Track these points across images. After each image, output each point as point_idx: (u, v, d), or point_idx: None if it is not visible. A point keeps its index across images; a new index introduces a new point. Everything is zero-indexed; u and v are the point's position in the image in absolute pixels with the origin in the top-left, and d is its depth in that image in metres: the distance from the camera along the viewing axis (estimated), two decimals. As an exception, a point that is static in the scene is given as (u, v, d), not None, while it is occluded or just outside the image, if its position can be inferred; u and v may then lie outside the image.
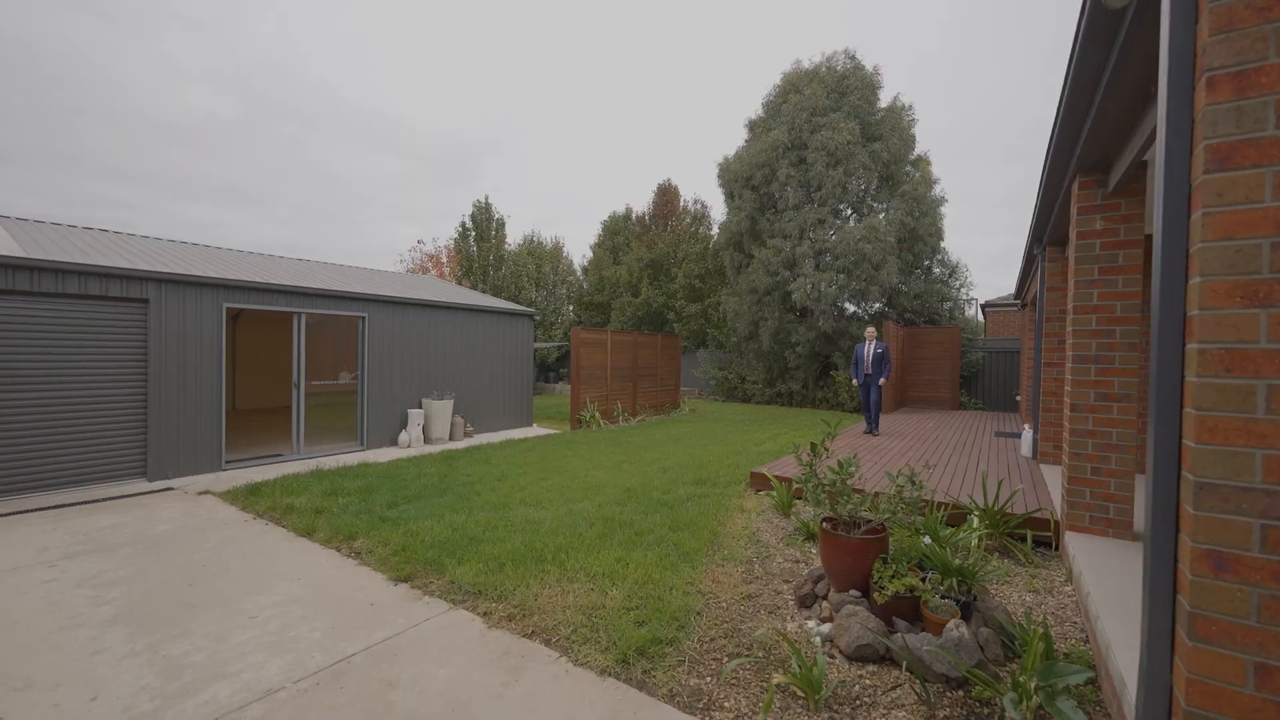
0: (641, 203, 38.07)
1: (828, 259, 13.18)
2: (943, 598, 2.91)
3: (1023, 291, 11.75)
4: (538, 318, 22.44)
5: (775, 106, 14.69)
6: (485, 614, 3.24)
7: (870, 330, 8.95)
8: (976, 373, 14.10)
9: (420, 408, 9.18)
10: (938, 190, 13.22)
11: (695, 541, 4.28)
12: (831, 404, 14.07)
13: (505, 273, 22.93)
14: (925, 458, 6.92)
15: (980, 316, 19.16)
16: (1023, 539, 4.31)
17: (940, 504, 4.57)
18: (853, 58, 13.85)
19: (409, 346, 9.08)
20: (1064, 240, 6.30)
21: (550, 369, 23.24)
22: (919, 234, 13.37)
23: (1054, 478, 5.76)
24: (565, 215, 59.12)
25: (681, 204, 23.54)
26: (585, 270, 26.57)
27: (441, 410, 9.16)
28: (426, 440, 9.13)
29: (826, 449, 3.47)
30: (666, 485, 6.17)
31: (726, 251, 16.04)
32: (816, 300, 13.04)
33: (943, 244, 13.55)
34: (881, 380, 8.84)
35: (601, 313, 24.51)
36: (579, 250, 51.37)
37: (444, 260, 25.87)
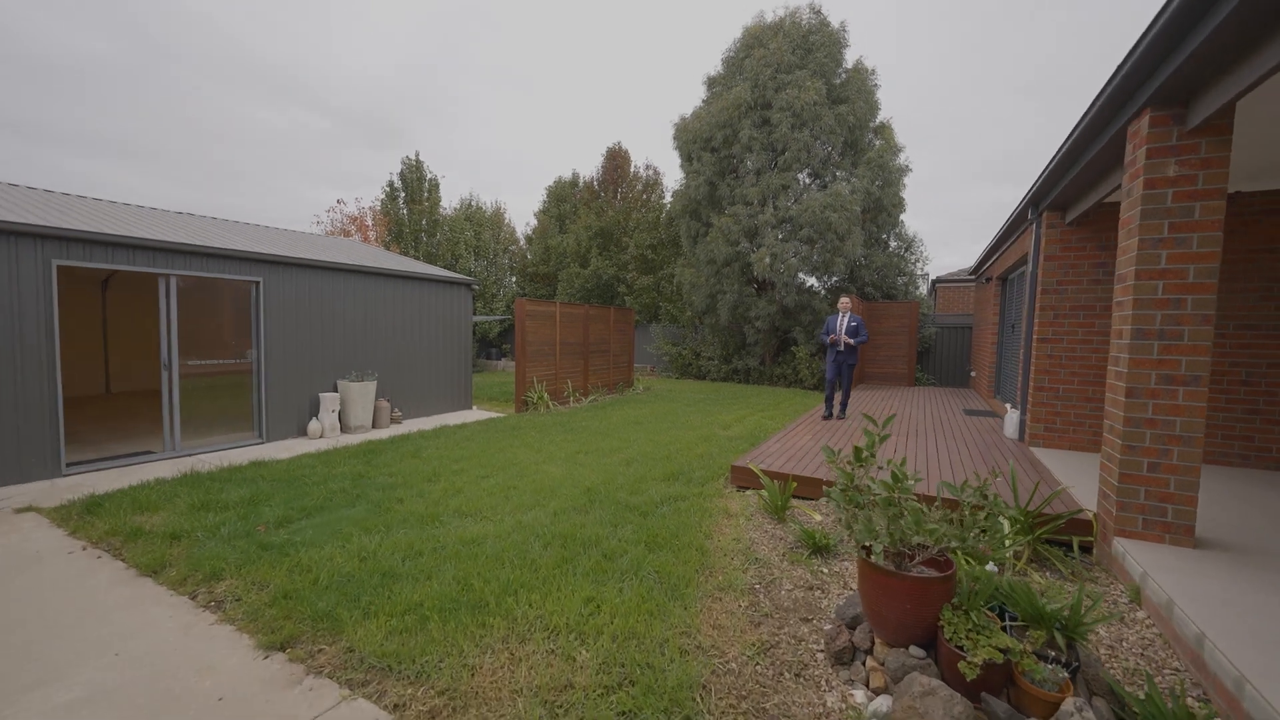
0: (590, 168, 36.08)
1: (789, 228, 12.48)
2: (1039, 657, 2.16)
3: (983, 266, 11.52)
4: (477, 287, 20.75)
5: (737, 62, 13.66)
6: (398, 707, 2.22)
7: (845, 300, 7.75)
8: (929, 348, 14.01)
9: (335, 391, 7.77)
10: (901, 159, 12.76)
11: (682, 565, 3.39)
12: (790, 381, 13.61)
13: (440, 239, 21.01)
14: (911, 446, 6.36)
15: (928, 292, 19.28)
16: (1063, 546, 3.70)
17: (965, 505, 3.91)
18: (818, 12, 12.99)
19: (320, 318, 7.60)
20: (1069, 204, 5.76)
21: (492, 345, 21.70)
22: (883, 204, 12.91)
23: (1058, 465, 5.29)
24: (506, 181, 56.12)
25: (633, 170, 22.27)
26: (529, 239, 24.93)
27: (362, 394, 7.80)
28: (344, 429, 7.77)
29: (871, 455, 2.60)
30: (633, 483, 5.26)
31: (682, 220, 15.07)
32: (779, 272, 12.36)
33: (903, 216, 13.21)
34: (853, 358, 7.78)
35: (547, 284, 23.11)
36: (522, 219, 49.09)
37: (369, 224, 23.44)
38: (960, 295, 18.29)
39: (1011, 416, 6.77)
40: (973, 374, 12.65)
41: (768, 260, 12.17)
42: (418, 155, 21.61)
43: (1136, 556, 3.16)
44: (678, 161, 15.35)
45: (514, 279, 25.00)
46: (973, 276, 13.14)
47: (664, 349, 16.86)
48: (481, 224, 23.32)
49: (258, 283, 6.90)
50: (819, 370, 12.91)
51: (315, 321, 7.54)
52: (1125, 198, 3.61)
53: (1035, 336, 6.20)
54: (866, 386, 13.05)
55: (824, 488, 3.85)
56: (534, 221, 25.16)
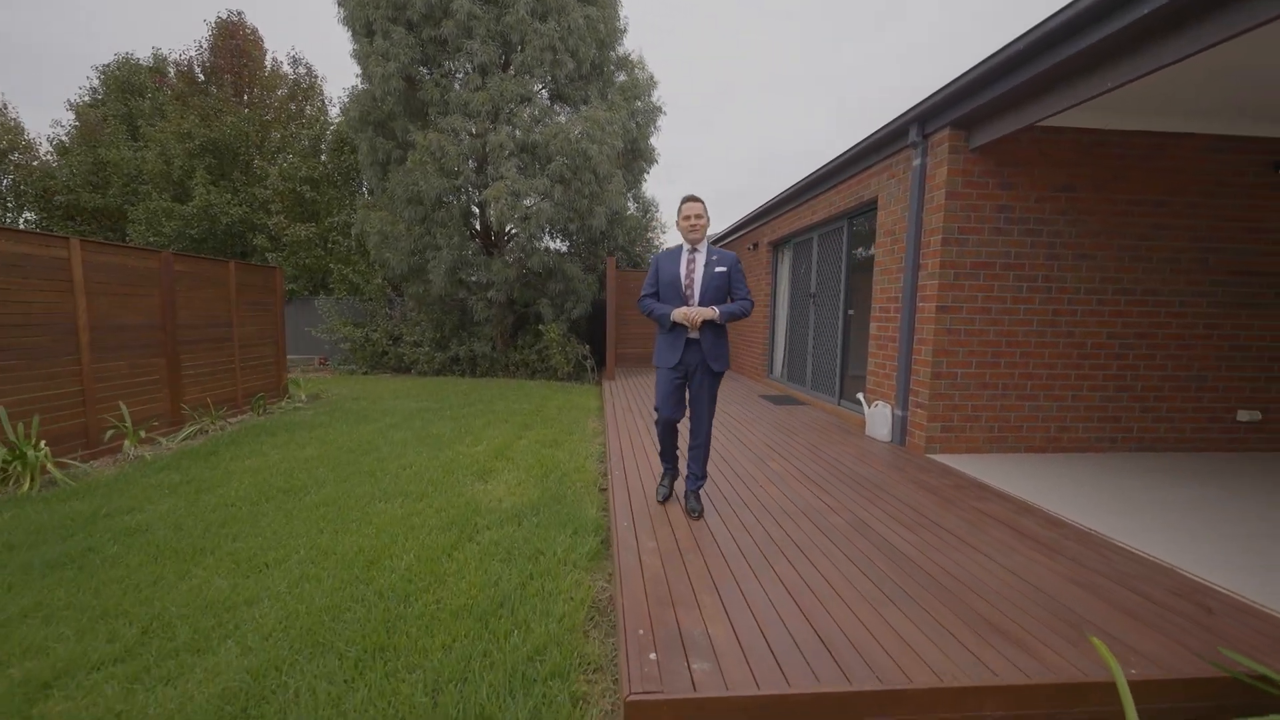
0: (186, 44, 22.53)
1: (529, 159, 9.05)
2: None
3: (747, 229, 10.48)
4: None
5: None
6: None
7: (695, 209, 3.10)
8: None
9: None
10: (656, 97, 10.75)
11: None
12: (536, 370, 10.39)
13: None
14: (751, 467, 3.97)
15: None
16: None
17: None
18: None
19: None
20: (980, 122, 4.10)
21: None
22: (639, 148, 10.69)
23: (999, 473, 3.57)
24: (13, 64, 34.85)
25: (270, 61, 14.96)
26: (62, 149, 14.65)
27: None
28: None
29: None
30: None
31: (363, 135, 9.93)
32: (522, 219, 8.86)
33: (655, 166, 11.35)
34: (720, 359, 3.22)
35: (108, 223, 13.91)
36: (42, 114, 32.03)
37: None
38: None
39: (880, 413, 5.12)
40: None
41: (505, 200, 8.51)
42: None
43: None
44: (348, 47, 10.00)
45: (30, 214, 14.40)
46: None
47: (341, 332, 11.39)
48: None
49: None
50: (575, 356, 10.03)
51: None
52: None
53: (936, 305, 4.54)
54: (624, 370, 10.86)
55: None
56: (74, 120, 14.94)
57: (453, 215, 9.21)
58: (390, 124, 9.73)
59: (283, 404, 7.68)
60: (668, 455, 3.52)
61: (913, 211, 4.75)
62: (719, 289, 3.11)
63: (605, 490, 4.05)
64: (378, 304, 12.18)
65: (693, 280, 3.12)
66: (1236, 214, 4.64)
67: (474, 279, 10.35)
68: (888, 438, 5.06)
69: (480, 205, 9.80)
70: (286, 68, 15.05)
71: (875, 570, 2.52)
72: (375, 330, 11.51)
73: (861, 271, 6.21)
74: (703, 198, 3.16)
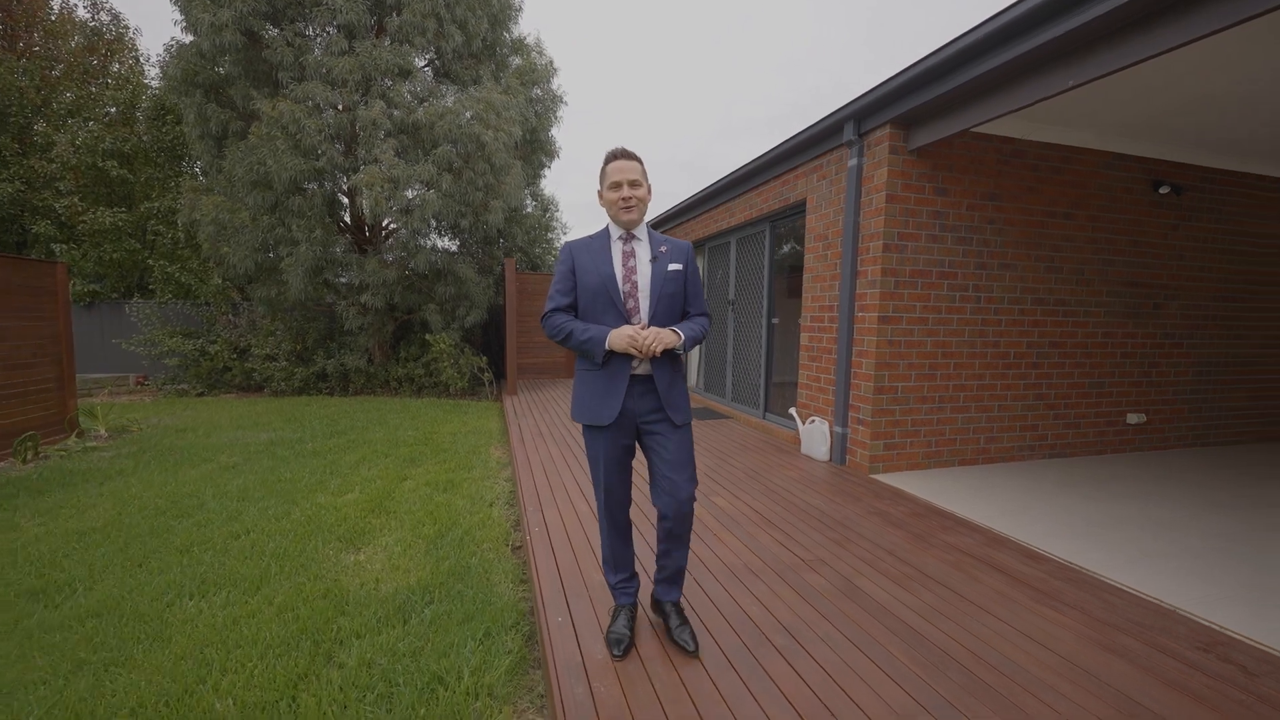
0: None
1: (409, 141, 7.79)
2: None
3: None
4: None
5: None
6: None
7: (626, 169, 1.97)
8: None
9: None
10: (557, 85, 9.86)
11: None
12: (424, 386, 9.04)
13: None
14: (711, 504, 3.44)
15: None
16: None
17: None
18: None
19: None
20: (921, 122, 3.86)
21: None
22: (539, 140, 9.73)
23: (948, 493, 3.31)
24: None
25: (60, 4, 11.90)
26: None
27: None
28: None
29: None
30: None
31: (189, 101, 7.98)
32: (405, 213, 7.57)
33: (555, 161, 10.45)
34: (681, 411, 2.07)
35: None
36: None
37: None
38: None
39: (817, 430, 4.78)
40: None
41: (381, 188, 7.19)
42: None
43: None
44: (168, -11, 7.98)
45: None
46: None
47: (167, 344, 9.16)
48: None
49: None
50: (470, 369, 8.85)
51: None
52: None
53: (878, 315, 4.24)
54: (527, 383, 9.88)
55: None
56: None
57: (313, 204, 7.66)
58: (227, 89, 7.92)
59: (68, 443, 5.77)
60: (620, 562, 2.16)
61: (849, 215, 4.45)
62: (673, 298, 2.02)
63: (521, 547, 3.21)
64: (217, 309, 10.01)
65: (635, 284, 1.99)
66: (1125, 228, 4.90)
67: (344, 280, 8.80)
68: (826, 457, 4.72)
69: (350, 193, 8.30)
70: (82, 11, 12.04)
71: (893, 662, 1.98)
72: (214, 341, 9.42)
73: (786, 276, 5.91)
74: (640, 155, 2.02)
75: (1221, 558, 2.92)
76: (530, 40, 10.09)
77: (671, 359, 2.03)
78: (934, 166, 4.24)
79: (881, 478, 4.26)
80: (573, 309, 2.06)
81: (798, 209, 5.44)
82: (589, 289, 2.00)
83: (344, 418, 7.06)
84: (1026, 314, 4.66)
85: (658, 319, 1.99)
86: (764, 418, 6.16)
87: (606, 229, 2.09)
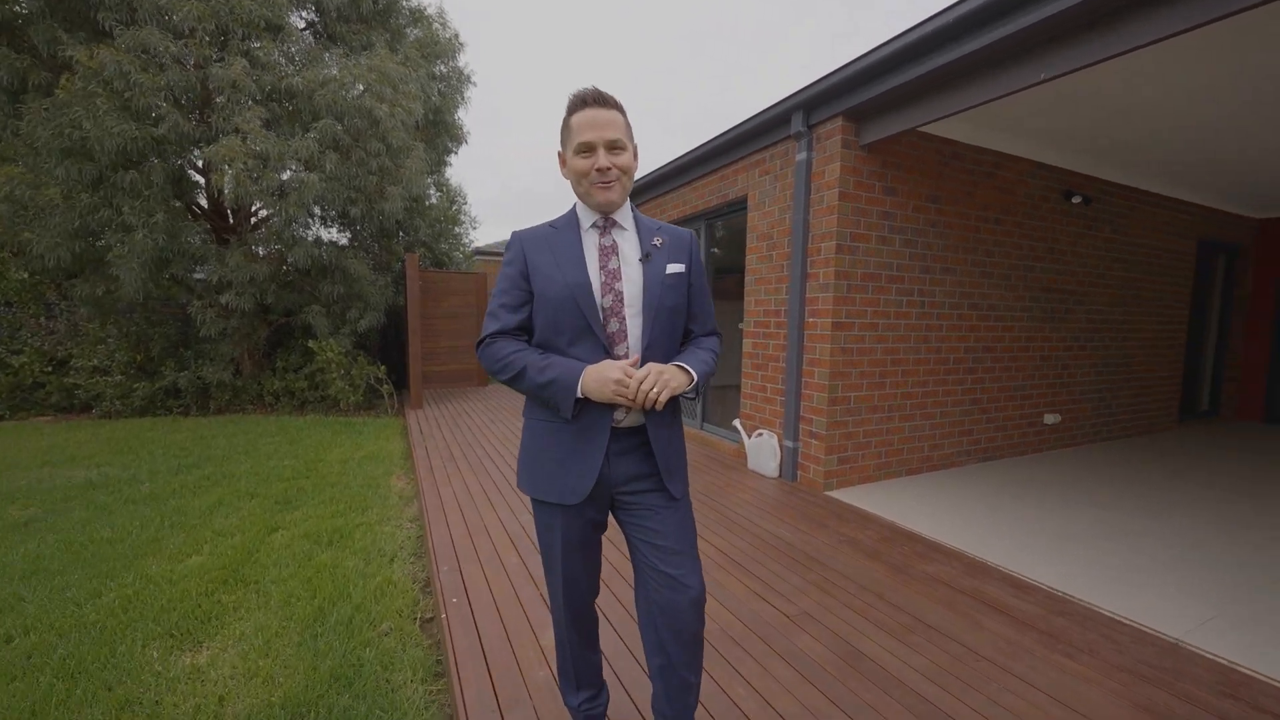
0: None
1: (282, 110, 6.55)
2: None
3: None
4: None
5: None
6: None
7: (602, 118, 1.28)
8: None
9: None
10: (464, 63, 8.82)
11: None
12: (308, 401, 7.73)
13: None
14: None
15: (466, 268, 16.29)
16: None
17: None
18: None
19: None
20: (873, 116, 3.61)
21: None
22: (444, 121, 8.67)
23: (906, 510, 3.09)
24: None
25: None
26: None
27: None
28: None
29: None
30: None
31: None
32: (278, 196, 6.32)
33: (463, 147, 9.40)
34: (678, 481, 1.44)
35: None
36: None
37: None
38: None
39: (765, 445, 4.44)
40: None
41: (244, 164, 5.93)
42: None
43: None
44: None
45: None
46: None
47: (-59, 356, 7.09)
48: None
49: None
50: (366, 380, 7.67)
51: None
52: None
53: (831, 322, 3.95)
54: (434, 394, 8.85)
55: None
56: None
57: (152, 181, 6.18)
58: (25, 30, 6.21)
59: None
60: (586, 676, 1.58)
61: (797, 213, 4.13)
62: (674, 314, 1.40)
63: (433, 620, 2.50)
64: (22, 311, 7.97)
65: (619, 296, 1.34)
66: (1044, 235, 5.05)
67: (199, 277, 7.30)
68: (776, 473, 4.39)
69: (205, 170, 6.86)
70: None
71: (934, 768, 1.57)
72: (19, 351, 7.46)
73: (723, 278, 5.56)
74: (620, 102, 1.32)
75: (1193, 568, 2.89)
76: (432, 10, 9.03)
77: (672, 406, 1.42)
78: (883, 164, 4.04)
79: (837, 494, 3.98)
80: (525, 331, 1.39)
81: (737, 206, 5.08)
82: (550, 302, 1.33)
83: (199, 445, 5.74)
84: (964, 319, 4.63)
85: (655, 348, 1.35)
86: (702, 428, 5.78)
87: (573, 213, 1.41)
